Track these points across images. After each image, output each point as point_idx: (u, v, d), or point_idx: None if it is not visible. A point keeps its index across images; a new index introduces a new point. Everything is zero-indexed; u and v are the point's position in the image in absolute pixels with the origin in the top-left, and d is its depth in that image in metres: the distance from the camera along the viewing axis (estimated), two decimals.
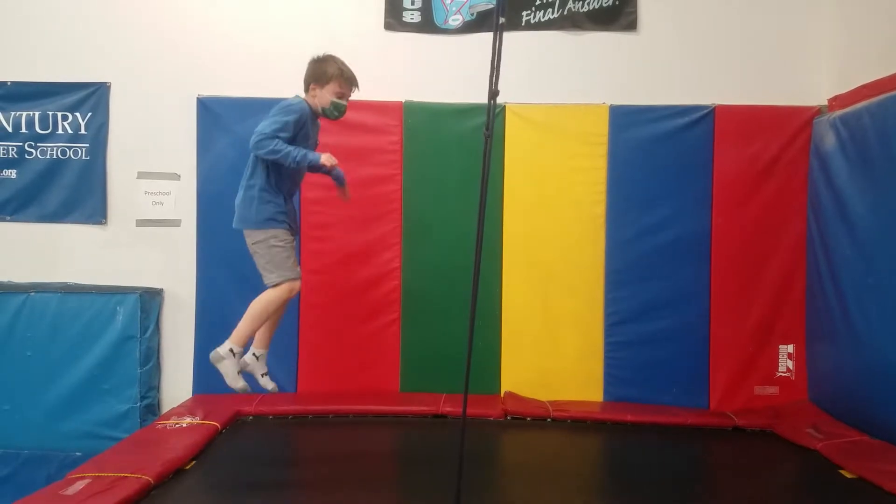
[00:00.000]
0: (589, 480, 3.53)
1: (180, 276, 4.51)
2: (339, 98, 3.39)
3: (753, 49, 4.53)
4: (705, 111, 4.41)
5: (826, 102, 4.34)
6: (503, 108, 4.44)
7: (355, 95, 4.45)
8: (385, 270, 4.48)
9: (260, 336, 3.45)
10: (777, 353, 4.44)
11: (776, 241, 4.42)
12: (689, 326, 4.43)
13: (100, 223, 4.56)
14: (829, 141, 4.20)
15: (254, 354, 3.45)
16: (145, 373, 4.38)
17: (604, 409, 4.32)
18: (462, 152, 4.45)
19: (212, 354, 3.30)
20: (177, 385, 4.54)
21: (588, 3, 4.49)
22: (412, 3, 4.53)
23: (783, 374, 4.44)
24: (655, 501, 2.96)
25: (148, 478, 2.92)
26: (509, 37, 4.50)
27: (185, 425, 3.75)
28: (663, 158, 4.42)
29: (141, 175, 4.55)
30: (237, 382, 3.27)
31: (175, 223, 4.54)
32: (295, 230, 3.48)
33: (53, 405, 4.32)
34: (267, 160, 3.24)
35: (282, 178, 3.33)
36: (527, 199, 4.46)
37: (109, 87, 4.54)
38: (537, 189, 4.47)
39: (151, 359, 4.45)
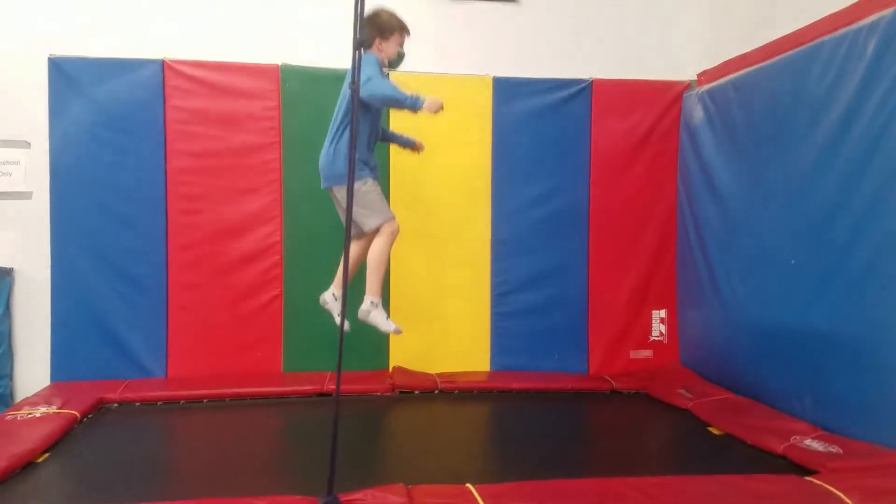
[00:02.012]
0: (473, 449, 3.54)
1: (32, 254, 4.11)
2: (400, 46, 3.47)
3: (629, 23, 4.68)
4: (583, 84, 4.50)
5: (696, 77, 4.54)
6: (386, 76, 4.31)
7: (228, 56, 4.25)
8: (265, 245, 4.28)
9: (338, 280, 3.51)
10: (650, 319, 4.65)
11: (649, 212, 4.61)
12: (570, 295, 4.55)
13: None
14: (698, 114, 4.41)
15: (333, 294, 3.51)
16: None
17: (490, 378, 4.37)
18: None
19: (360, 313, 3.42)
20: (32, 372, 4.13)
21: None
22: None
23: (656, 339, 4.66)
24: (536, 464, 3.00)
25: None
26: (390, 3, 4.44)
27: (39, 415, 3.40)
28: (545, 131, 4.48)
29: None
30: (390, 326, 3.43)
31: (26, 195, 4.12)
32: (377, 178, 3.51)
33: None
34: (366, 105, 3.25)
35: (364, 132, 3.36)
36: (413, 171, 4.37)
37: None
38: (424, 161, 4.35)
39: (2, 345, 4.02)
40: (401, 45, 3.47)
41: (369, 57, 3.29)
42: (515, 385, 4.23)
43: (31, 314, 4.16)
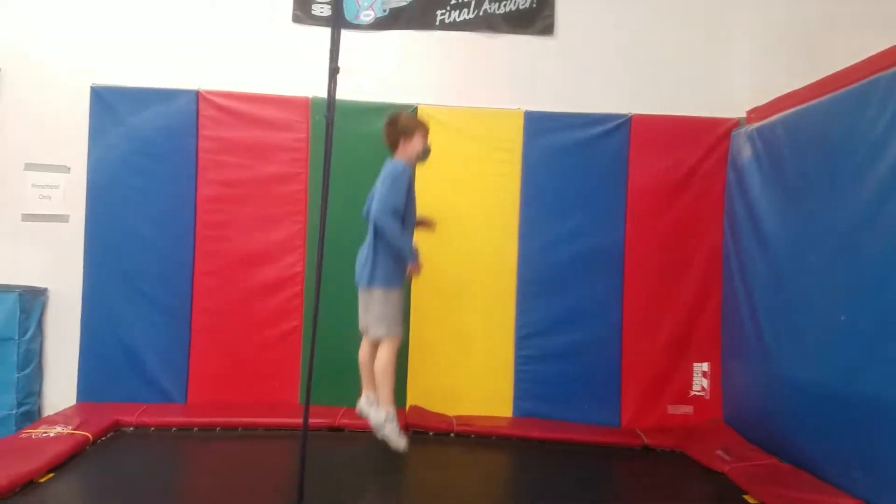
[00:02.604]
0: (485, 499, 3.33)
1: (67, 274, 4.22)
2: (426, 142, 3.68)
3: (673, 59, 4.45)
4: (621, 120, 4.29)
5: (745, 115, 4.25)
6: (415, 109, 4.26)
7: (260, 88, 4.30)
8: (287, 275, 4.25)
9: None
10: (691, 371, 4.31)
11: (692, 255, 4.31)
12: (600, 341, 4.28)
13: None
14: (746, 153, 4.11)
15: (387, 415, 3.57)
16: (24, 377, 4.07)
17: (511, 424, 4.14)
18: (372, 151, 4.22)
19: (375, 427, 3.56)
20: (61, 391, 4.23)
21: (504, 5, 4.36)
22: None
23: (697, 393, 4.31)
24: None
25: None
26: (422, 36, 4.43)
27: (52, 435, 3.45)
28: (578, 167, 4.28)
29: (28, 167, 4.26)
30: (401, 443, 3.51)
31: (63, 218, 4.26)
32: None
33: None
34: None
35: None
36: (438, 204, 4.25)
37: (1, 73, 4.25)
38: (448, 196, 4.28)
39: (32, 362, 4.14)
40: (425, 140, 3.63)
41: (397, 170, 3.50)
42: (536, 434, 3.98)
43: (62, 334, 4.26)
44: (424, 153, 3.66)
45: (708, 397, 4.29)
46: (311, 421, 3.87)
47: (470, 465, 3.69)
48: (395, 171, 3.50)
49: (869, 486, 2.87)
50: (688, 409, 4.29)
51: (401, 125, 3.59)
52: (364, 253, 3.58)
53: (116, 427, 3.80)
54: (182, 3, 4.32)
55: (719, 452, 3.68)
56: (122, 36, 4.29)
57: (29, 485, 2.92)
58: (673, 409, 4.29)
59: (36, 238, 4.26)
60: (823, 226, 3.28)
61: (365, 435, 3.83)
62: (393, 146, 3.62)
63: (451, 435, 3.96)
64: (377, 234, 3.50)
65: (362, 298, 3.62)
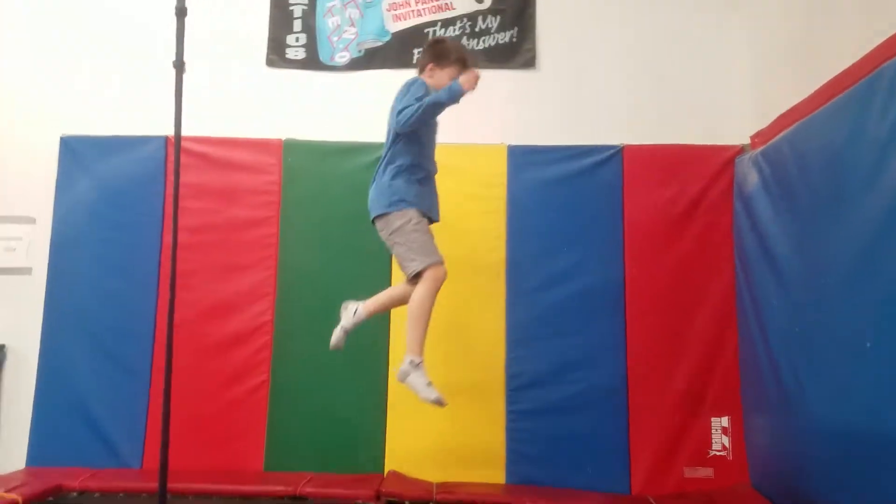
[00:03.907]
0: None
1: (26, 331, 3.97)
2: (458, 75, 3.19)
3: (667, 86, 4.19)
4: (612, 151, 3.98)
5: (749, 140, 3.91)
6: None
7: (233, 132, 4.15)
8: (254, 325, 3.93)
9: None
10: (709, 427, 3.77)
11: (702, 294, 3.87)
12: (603, 392, 3.80)
13: None
14: (752, 180, 3.73)
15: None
16: None
17: (500, 492, 3.63)
18: (347, 193, 3.98)
19: (398, 375, 3.08)
20: (12, 455, 3.88)
21: (484, 41, 4.20)
22: (296, 41, 4.25)
23: (718, 453, 3.75)
24: None
25: None
26: (400, 74, 4.22)
27: None
28: (568, 202, 3.96)
29: None
30: (430, 394, 2.99)
31: (25, 271, 4.08)
32: (434, 217, 3.26)
33: None
34: (408, 135, 3.11)
35: (412, 158, 3.14)
36: None
37: None
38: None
39: None
40: (453, 79, 3.14)
41: (416, 81, 3.12)
42: (528, 502, 3.46)
43: (18, 394, 3.98)
44: None
45: (731, 457, 3.73)
46: (272, 488, 3.54)
47: None
48: (410, 81, 3.12)
49: None
50: (708, 472, 3.73)
51: (438, 49, 3.21)
52: (373, 184, 3.19)
53: (58, 492, 3.43)
54: (153, 49, 4.24)
55: None
56: (91, 85, 4.23)
57: None
58: (690, 473, 3.73)
59: None
60: (837, 242, 2.84)
61: (329, 503, 3.40)
62: (421, 69, 3.24)
63: (431, 503, 3.47)
64: (385, 157, 3.15)
65: (385, 239, 3.18)
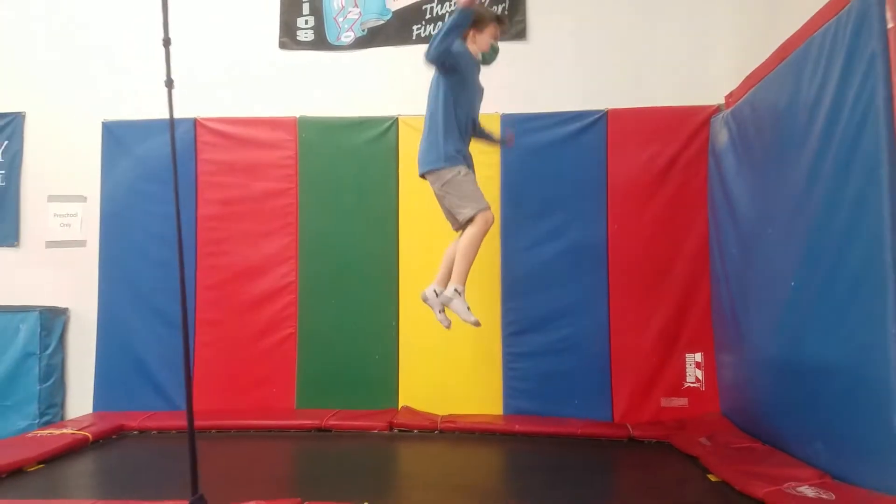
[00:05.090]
0: (453, 487, 3.34)
1: (85, 295, 4.60)
2: (495, 40, 3.50)
3: (651, 51, 4.49)
4: (597, 115, 4.34)
5: (723, 100, 4.22)
6: (395, 120, 4.46)
7: (251, 112, 4.61)
8: (281, 285, 4.48)
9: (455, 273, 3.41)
10: (684, 363, 4.22)
11: (678, 246, 4.27)
12: (588, 336, 4.26)
13: (12, 245, 4.72)
14: (723, 138, 4.08)
15: (435, 291, 3.45)
16: (45, 390, 4.43)
17: (495, 420, 4.16)
18: (356, 164, 4.48)
19: (441, 298, 3.40)
20: (80, 402, 4.56)
21: None
22: (305, 23, 4.66)
23: (692, 385, 4.21)
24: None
25: None
26: (400, 50, 4.66)
27: (56, 434, 3.75)
28: (556, 165, 4.35)
29: (51, 198, 4.71)
30: (470, 316, 3.33)
31: (81, 244, 4.66)
32: (473, 170, 3.53)
33: None
34: (453, 99, 3.37)
35: (456, 120, 3.41)
36: (421, 211, 4.38)
37: (24, 116, 4.76)
38: (433, 199, 4.39)
39: (53, 375, 4.50)
40: (495, 37, 3.46)
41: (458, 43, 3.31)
42: (518, 428, 3.99)
43: (82, 350, 4.62)
44: (492, 51, 3.52)
45: (703, 389, 4.19)
46: (301, 423, 4.13)
47: (447, 458, 3.73)
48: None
49: (829, 457, 2.76)
50: (683, 402, 4.20)
51: (475, 15, 3.36)
52: (423, 142, 3.45)
53: (120, 430, 4.06)
54: (176, 39, 4.68)
55: (701, 440, 3.59)
56: (127, 74, 4.71)
57: (17, 472, 3.20)
58: (667, 402, 4.20)
59: (58, 262, 4.68)
60: (777, 196, 3.24)
61: (349, 434, 3.97)
62: (463, 38, 3.41)
63: (436, 432, 4.02)
64: (432, 118, 3.39)
65: (437, 194, 3.46)
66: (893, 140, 2.30)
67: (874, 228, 2.40)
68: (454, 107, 3.40)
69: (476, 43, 3.46)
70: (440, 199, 3.48)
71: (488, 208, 3.39)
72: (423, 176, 3.50)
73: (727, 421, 3.95)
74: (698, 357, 4.21)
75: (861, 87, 2.46)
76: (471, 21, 3.32)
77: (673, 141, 4.30)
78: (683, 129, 4.31)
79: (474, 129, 3.63)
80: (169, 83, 2.33)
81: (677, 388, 4.21)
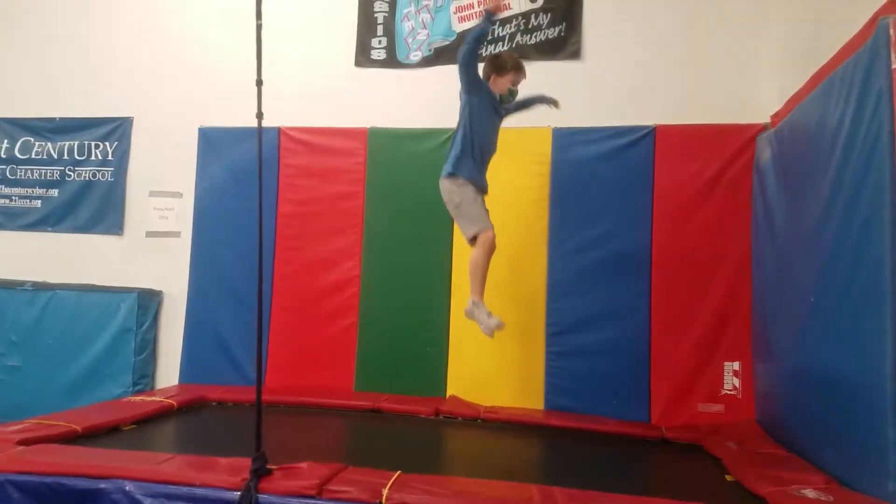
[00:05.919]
0: (487, 467, 3.66)
1: (177, 280, 5.20)
2: (513, 85, 3.93)
3: (701, 70, 4.67)
4: (646, 131, 4.57)
5: (769, 120, 4.37)
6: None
7: (328, 122, 5.09)
8: (346, 278, 4.93)
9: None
10: (722, 371, 4.39)
11: (720, 258, 4.44)
12: (629, 339, 4.49)
13: (117, 234, 5.40)
14: (766, 156, 4.23)
15: (473, 302, 3.83)
16: (139, 361, 5.05)
17: (534, 414, 4.45)
18: (418, 171, 4.87)
19: (465, 312, 3.86)
20: (169, 374, 5.17)
21: (535, 36, 4.85)
22: (378, 43, 5.10)
23: (729, 392, 4.37)
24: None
25: (76, 427, 3.49)
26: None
27: (147, 401, 4.32)
28: (604, 176, 4.60)
29: (152, 193, 5.35)
30: (492, 321, 3.69)
31: (176, 234, 5.27)
32: (486, 189, 3.94)
33: (67, 386, 5.07)
34: (473, 119, 3.79)
35: (472, 144, 3.82)
36: None
37: (132, 120, 5.43)
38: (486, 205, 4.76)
39: (146, 349, 5.12)
40: (514, 83, 3.86)
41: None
42: (556, 422, 4.27)
43: (172, 328, 5.23)
44: (511, 93, 3.89)
45: (740, 396, 4.34)
46: (357, 403, 4.56)
47: (488, 445, 4.05)
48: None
49: (840, 464, 2.93)
50: (719, 408, 4.36)
51: (498, 62, 3.83)
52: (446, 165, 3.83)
53: (201, 401, 4.61)
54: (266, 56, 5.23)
55: (729, 444, 3.77)
56: (222, 86, 5.29)
57: (114, 429, 3.77)
58: (703, 408, 4.38)
59: (156, 250, 5.31)
60: (805, 217, 3.40)
61: (400, 417, 4.37)
62: (486, 79, 3.85)
63: (478, 421, 4.36)
64: (454, 139, 3.79)
65: (450, 210, 3.85)
66: (895, 171, 2.48)
67: (878, 252, 2.58)
68: (472, 132, 3.76)
69: (496, 85, 3.80)
70: (454, 217, 3.84)
71: (490, 229, 3.68)
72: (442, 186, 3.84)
73: (759, 428, 4.10)
74: (736, 366, 4.37)
75: (871, 120, 2.64)
76: (493, 24, 3.76)
77: (719, 157, 4.48)
78: (730, 145, 4.47)
79: (520, 104, 4.01)
80: (259, 115, 2.73)
81: (714, 394, 4.38)
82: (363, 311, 4.89)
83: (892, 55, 2.52)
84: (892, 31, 2.60)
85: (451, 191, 3.79)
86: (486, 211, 3.88)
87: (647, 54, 4.76)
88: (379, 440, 3.93)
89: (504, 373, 4.67)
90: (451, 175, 3.79)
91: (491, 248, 3.73)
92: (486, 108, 3.84)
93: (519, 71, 3.86)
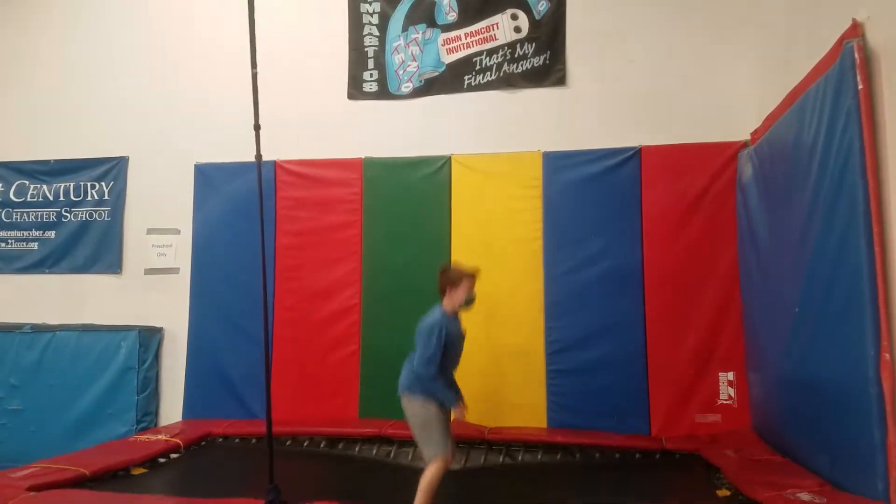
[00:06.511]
0: (485, 487, 3.79)
1: (177, 315, 5.24)
2: (469, 292, 3.72)
3: (681, 92, 4.85)
4: (632, 152, 4.75)
5: (749, 137, 4.57)
6: (449, 158, 4.98)
7: (323, 154, 5.20)
8: (347, 306, 5.01)
9: None
10: (717, 381, 4.52)
11: (709, 271, 4.59)
12: (626, 354, 4.62)
13: (116, 272, 5.44)
14: (747, 172, 4.42)
15: None
16: (142, 399, 5.06)
17: (538, 432, 4.54)
18: (414, 198, 5.01)
19: None
20: (172, 411, 5.18)
21: (521, 65, 5.03)
22: (370, 76, 5.25)
23: (725, 402, 4.50)
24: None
25: (84, 471, 3.54)
26: (454, 98, 5.21)
27: (152, 440, 4.34)
28: (594, 197, 4.76)
29: (150, 231, 5.40)
30: None
31: (175, 271, 5.33)
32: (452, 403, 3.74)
33: (69, 427, 5.07)
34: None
35: (447, 368, 3.74)
36: (472, 239, 4.89)
37: (128, 160, 5.51)
38: (481, 229, 4.90)
39: (149, 387, 5.14)
40: (469, 290, 3.70)
41: (433, 323, 3.59)
42: (559, 439, 4.37)
43: (174, 364, 5.27)
44: (468, 301, 3.70)
45: (736, 406, 4.47)
46: (365, 430, 4.62)
47: (495, 467, 4.18)
48: (432, 324, 3.57)
49: (831, 467, 3.06)
50: (716, 418, 4.48)
51: (449, 276, 3.70)
52: (405, 365, 3.73)
53: (208, 437, 4.64)
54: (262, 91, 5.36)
55: (727, 452, 3.90)
56: (216, 123, 5.38)
57: (123, 470, 3.82)
58: (701, 418, 4.50)
59: (155, 287, 5.36)
60: (787, 231, 3.56)
61: (407, 442, 4.41)
62: (441, 292, 3.71)
63: (482, 442, 4.43)
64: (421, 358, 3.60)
65: (406, 410, 3.63)
66: (867, 186, 2.66)
67: (855, 262, 2.74)
68: (444, 357, 3.62)
69: (452, 300, 3.66)
70: (414, 433, 3.61)
71: (447, 454, 3.51)
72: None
73: (755, 435, 4.23)
74: (731, 376, 4.50)
75: (842, 137, 2.83)
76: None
77: (703, 174, 4.66)
78: (713, 163, 4.66)
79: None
80: (258, 157, 2.83)
81: (711, 404, 4.51)
82: (365, 339, 4.97)
83: (859, 76, 2.71)
84: (856, 55, 2.80)
85: (415, 411, 3.59)
86: (448, 432, 3.65)
87: (630, 78, 4.94)
88: (387, 469, 3.99)
89: (506, 394, 4.75)
90: (412, 394, 3.62)
91: (444, 471, 3.52)
92: (456, 328, 3.74)
93: (470, 278, 3.74)
